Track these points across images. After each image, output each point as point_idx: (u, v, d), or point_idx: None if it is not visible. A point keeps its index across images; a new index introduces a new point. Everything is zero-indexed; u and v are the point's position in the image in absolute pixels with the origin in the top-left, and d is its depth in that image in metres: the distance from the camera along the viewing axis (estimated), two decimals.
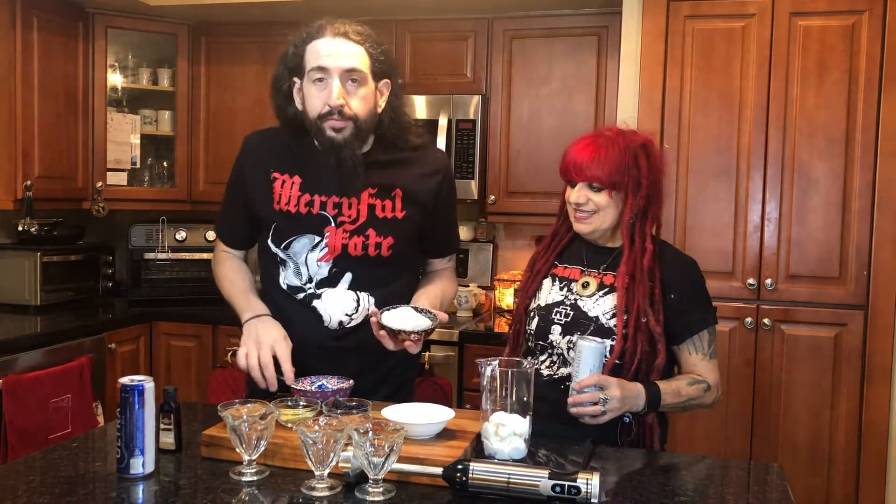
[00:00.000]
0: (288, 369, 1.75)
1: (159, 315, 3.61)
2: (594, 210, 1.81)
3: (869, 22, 2.74)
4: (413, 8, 3.49)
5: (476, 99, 3.43)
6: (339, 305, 1.87)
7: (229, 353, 3.47)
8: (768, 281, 2.85)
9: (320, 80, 1.78)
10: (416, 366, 2.10)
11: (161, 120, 3.93)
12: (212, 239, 3.83)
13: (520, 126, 3.49)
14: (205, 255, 3.84)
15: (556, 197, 1.95)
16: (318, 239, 1.86)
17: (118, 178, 3.79)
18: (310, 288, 1.88)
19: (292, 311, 1.89)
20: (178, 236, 3.80)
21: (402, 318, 1.73)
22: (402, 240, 1.90)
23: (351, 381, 1.74)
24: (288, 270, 1.89)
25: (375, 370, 1.93)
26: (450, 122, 3.43)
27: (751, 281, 2.87)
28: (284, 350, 1.78)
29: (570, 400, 1.70)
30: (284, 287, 1.90)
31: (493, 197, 3.49)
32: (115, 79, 3.82)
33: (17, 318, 3.28)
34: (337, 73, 1.76)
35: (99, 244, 3.86)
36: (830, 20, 2.78)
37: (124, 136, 3.79)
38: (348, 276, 1.88)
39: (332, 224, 1.86)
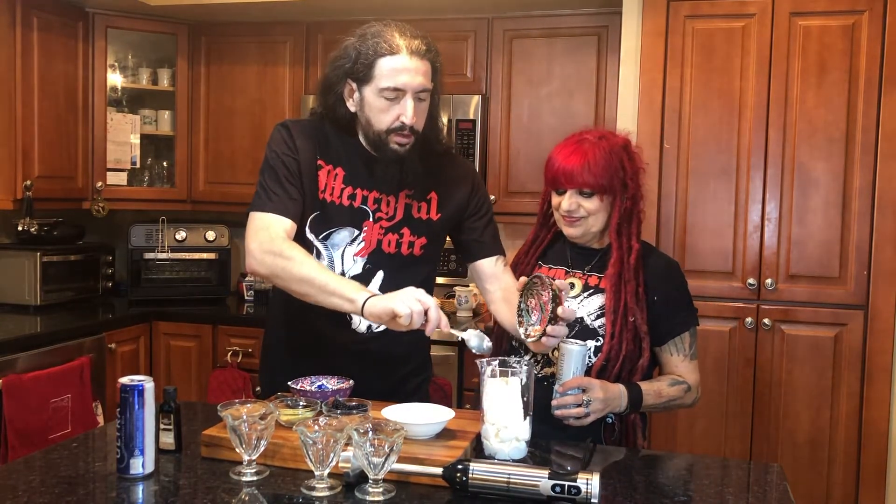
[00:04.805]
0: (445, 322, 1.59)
1: (159, 315, 3.61)
2: (585, 215, 1.82)
3: (869, 22, 2.74)
4: (413, 8, 3.49)
5: (476, 99, 3.43)
6: None
7: (229, 353, 3.48)
8: (768, 281, 2.85)
9: (393, 97, 1.77)
10: (430, 367, 2.10)
11: (161, 120, 3.93)
12: (212, 239, 3.84)
13: (520, 126, 3.49)
14: (205, 255, 3.84)
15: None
16: (356, 232, 1.86)
17: (118, 178, 3.79)
18: None
19: (319, 308, 1.73)
20: (178, 236, 3.80)
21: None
22: (435, 242, 1.93)
23: (351, 382, 1.74)
24: (321, 262, 1.83)
25: (394, 374, 1.93)
26: (450, 121, 3.43)
27: (751, 281, 2.87)
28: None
29: (553, 402, 1.71)
30: None
31: (493, 197, 3.49)
32: (115, 79, 3.82)
33: (17, 318, 3.27)
34: (412, 92, 1.76)
35: (99, 244, 3.86)
36: (830, 20, 2.78)
37: (124, 136, 3.79)
38: (379, 276, 1.86)
39: (371, 219, 1.86)
